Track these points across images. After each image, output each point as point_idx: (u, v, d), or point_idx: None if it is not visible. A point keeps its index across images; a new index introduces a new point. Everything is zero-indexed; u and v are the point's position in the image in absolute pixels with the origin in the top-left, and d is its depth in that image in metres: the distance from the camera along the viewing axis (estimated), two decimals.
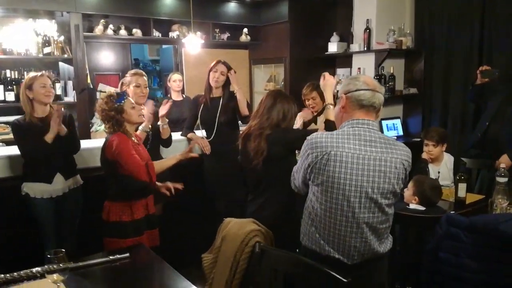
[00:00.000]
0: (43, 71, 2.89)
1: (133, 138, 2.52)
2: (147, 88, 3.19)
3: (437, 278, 2.20)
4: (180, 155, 2.69)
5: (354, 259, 1.80)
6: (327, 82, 2.54)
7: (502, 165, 2.81)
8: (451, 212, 2.58)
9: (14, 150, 3.14)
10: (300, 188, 1.99)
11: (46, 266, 1.68)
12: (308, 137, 1.85)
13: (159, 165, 2.58)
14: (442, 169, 3.47)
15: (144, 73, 3.20)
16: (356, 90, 1.83)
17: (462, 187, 2.87)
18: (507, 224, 1.90)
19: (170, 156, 2.63)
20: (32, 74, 2.83)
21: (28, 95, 2.76)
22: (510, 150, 3.44)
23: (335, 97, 2.21)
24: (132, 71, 3.18)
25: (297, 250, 2.06)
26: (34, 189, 2.77)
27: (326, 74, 2.60)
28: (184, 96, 4.67)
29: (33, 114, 2.79)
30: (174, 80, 4.57)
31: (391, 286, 2.64)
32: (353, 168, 1.74)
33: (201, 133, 3.58)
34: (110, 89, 5.08)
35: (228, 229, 2.02)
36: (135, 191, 2.46)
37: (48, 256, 1.67)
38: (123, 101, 2.46)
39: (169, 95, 4.67)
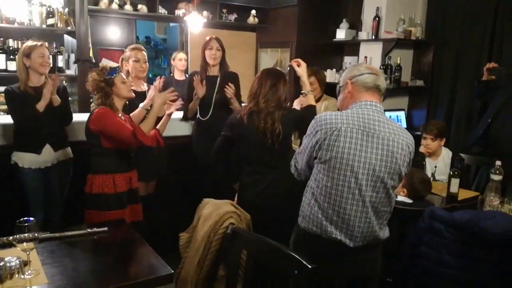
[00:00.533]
0: (42, 42, 2.86)
1: (119, 115, 2.50)
2: (147, 63, 3.19)
3: (416, 271, 2.18)
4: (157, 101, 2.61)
5: (357, 241, 1.80)
6: (303, 67, 2.63)
7: (498, 163, 2.74)
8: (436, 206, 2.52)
9: (8, 119, 3.16)
10: (301, 170, 1.97)
11: (17, 236, 1.68)
12: (317, 116, 1.87)
13: (147, 125, 2.52)
14: (439, 164, 3.41)
15: (143, 47, 3.18)
16: (360, 75, 1.87)
17: (455, 182, 2.81)
18: (488, 222, 1.85)
19: (150, 113, 2.59)
20: (31, 42, 2.82)
21: (25, 62, 2.77)
22: None
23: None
24: (131, 46, 3.17)
25: None
26: (23, 159, 2.78)
27: (299, 60, 2.67)
28: (187, 75, 4.63)
29: (27, 82, 2.79)
30: (180, 59, 4.52)
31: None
32: (363, 145, 1.76)
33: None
34: (113, 65, 5.07)
35: (205, 209, 2.01)
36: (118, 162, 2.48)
37: (18, 224, 1.67)
38: (114, 75, 2.47)
39: (171, 74, 4.63)
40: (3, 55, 4.17)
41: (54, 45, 4.41)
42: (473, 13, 4.38)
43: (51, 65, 2.94)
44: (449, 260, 1.97)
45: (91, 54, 4.57)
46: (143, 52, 3.15)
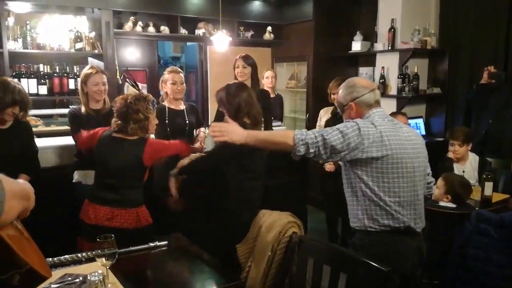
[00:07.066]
0: (98, 69, 2.97)
1: None
2: (183, 84, 3.26)
3: (464, 273, 2.26)
4: None
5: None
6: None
7: None
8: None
9: (46, 142, 3.30)
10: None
11: (96, 251, 1.78)
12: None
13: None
14: (467, 168, 3.50)
15: (180, 70, 3.27)
16: (362, 95, 2.03)
17: (489, 185, 2.91)
18: None
19: None
20: (87, 70, 2.96)
21: (83, 88, 2.93)
22: None
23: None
24: (169, 69, 3.26)
25: None
26: (86, 176, 2.90)
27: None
28: (276, 93, 4.76)
29: (88, 105, 2.94)
30: (267, 77, 4.64)
31: (420, 280, 2.69)
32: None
33: None
34: (138, 85, 5.21)
35: (265, 220, 2.10)
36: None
37: (98, 239, 1.77)
38: (154, 108, 2.52)
39: None
40: (35, 80, 4.30)
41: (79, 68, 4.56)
42: (486, 17, 4.48)
43: (106, 90, 3.02)
44: (497, 259, 2.06)
45: (118, 76, 4.70)
46: (180, 74, 3.24)
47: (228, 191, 2.56)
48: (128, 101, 2.42)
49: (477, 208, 2.63)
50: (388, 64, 4.88)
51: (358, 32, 5.29)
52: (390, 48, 4.81)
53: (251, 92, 2.67)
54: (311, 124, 5.11)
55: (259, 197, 2.70)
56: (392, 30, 4.77)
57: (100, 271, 1.72)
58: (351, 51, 5.31)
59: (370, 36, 5.23)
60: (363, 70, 5.47)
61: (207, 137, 3.52)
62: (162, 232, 2.47)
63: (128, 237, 2.30)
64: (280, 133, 2.04)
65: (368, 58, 5.29)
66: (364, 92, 2.03)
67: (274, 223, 2.02)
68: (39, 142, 3.39)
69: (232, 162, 2.54)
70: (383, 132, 1.90)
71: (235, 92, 2.58)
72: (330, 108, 3.90)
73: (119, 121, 2.43)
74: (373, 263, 1.56)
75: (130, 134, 2.42)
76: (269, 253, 1.98)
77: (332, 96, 3.80)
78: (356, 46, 5.25)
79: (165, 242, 2.20)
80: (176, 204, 3.18)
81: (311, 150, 1.86)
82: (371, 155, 1.86)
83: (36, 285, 1.02)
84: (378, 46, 4.97)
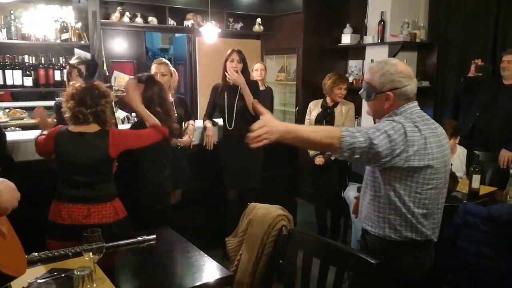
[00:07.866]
0: (84, 59, 3.01)
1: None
2: (166, 76, 3.22)
3: (453, 265, 2.28)
4: None
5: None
6: None
7: None
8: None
9: (32, 134, 3.22)
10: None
11: (83, 246, 1.75)
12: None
13: (152, 119, 2.56)
14: (455, 161, 3.52)
15: (163, 61, 3.24)
16: (404, 87, 1.76)
17: (476, 178, 2.93)
18: None
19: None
20: (73, 60, 3.02)
21: (69, 78, 2.99)
22: (508, 143, 3.64)
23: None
24: (155, 60, 3.25)
25: None
26: None
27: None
28: (266, 86, 4.72)
29: None
30: (257, 69, 4.60)
31: None
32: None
33: (220, 121, 3.65)
34: (125, 77, 5.15)
35: (255, 213, 2.09)
36: None
37: (85, 234, 1.74)
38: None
39: None
40: (19, 71, 4.22)
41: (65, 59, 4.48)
42: (475, 11, 4.49)
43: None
44: (488, 252, 2.08)
45: (105, 67, 4.64)
46: (164, 65, 3.21)
47: (137, 181, 2.64)
48: (87, 86, 2.31)
49: (464, 201, 2.65)
50: (377, 57, 4.87)
51: (347, 25, 5.28)
52: (379, 41, 4.82)
53: (162, 86, 2.75)
54: (300, 117, 5.11)
55: (169, 188, 2.83)
56: (382, 23, 4.77)
57: (87, 266, 1.71)
58: (340, 44, 5.31)
59: (360, 29, 5.21)
60: (352, 63, 5.48)
61: (196, 130, 3.51)
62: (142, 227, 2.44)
63: (108, 232, 2.19)
64: (325, 132, 1.69)
65: (358, 51, 5.28)
66: (408, 83, 1.76)
67: (264, 216, 2.01)
68: (25, 135, 3.34)
69: (140, 152, 2.53)
70: (427, 138, 1.70)
71: (147, 84, 2.65)
72: (320, 101, 3.90)
73: (78, 108, 2.25)
74: (362, 256, 1.56)
75: (94, 119, 2.28)
76: (259, 246, 1.97)
77: (337, 91, 3.75)
78: (346, 38, 5.24)
79: (154, 236, 2.18)
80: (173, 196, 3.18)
81: (356, 156, 1.65)
82: (412, 164, 1.67)
83: (1, 285, 1.00)
84: (368, 39, 4.97)
